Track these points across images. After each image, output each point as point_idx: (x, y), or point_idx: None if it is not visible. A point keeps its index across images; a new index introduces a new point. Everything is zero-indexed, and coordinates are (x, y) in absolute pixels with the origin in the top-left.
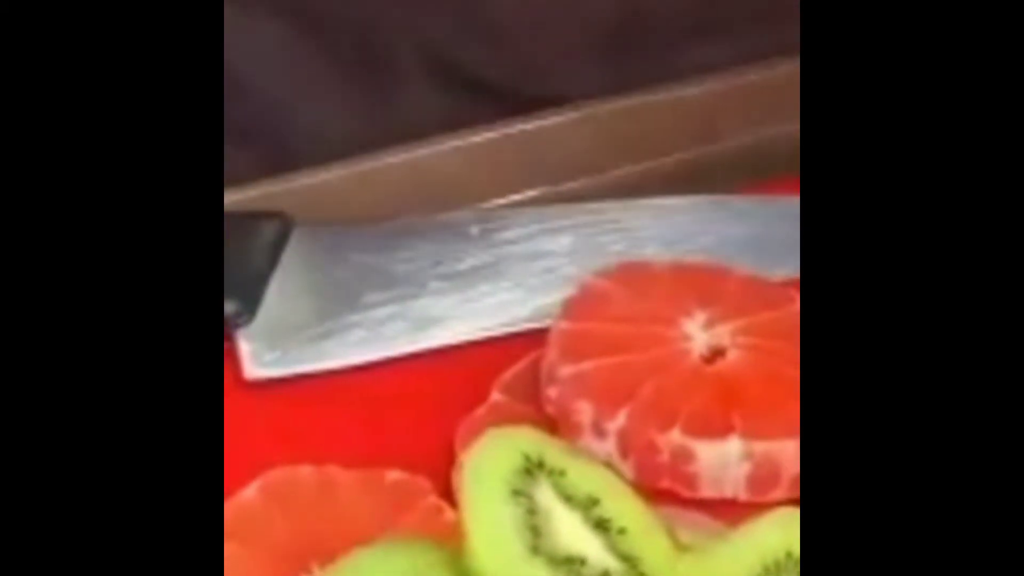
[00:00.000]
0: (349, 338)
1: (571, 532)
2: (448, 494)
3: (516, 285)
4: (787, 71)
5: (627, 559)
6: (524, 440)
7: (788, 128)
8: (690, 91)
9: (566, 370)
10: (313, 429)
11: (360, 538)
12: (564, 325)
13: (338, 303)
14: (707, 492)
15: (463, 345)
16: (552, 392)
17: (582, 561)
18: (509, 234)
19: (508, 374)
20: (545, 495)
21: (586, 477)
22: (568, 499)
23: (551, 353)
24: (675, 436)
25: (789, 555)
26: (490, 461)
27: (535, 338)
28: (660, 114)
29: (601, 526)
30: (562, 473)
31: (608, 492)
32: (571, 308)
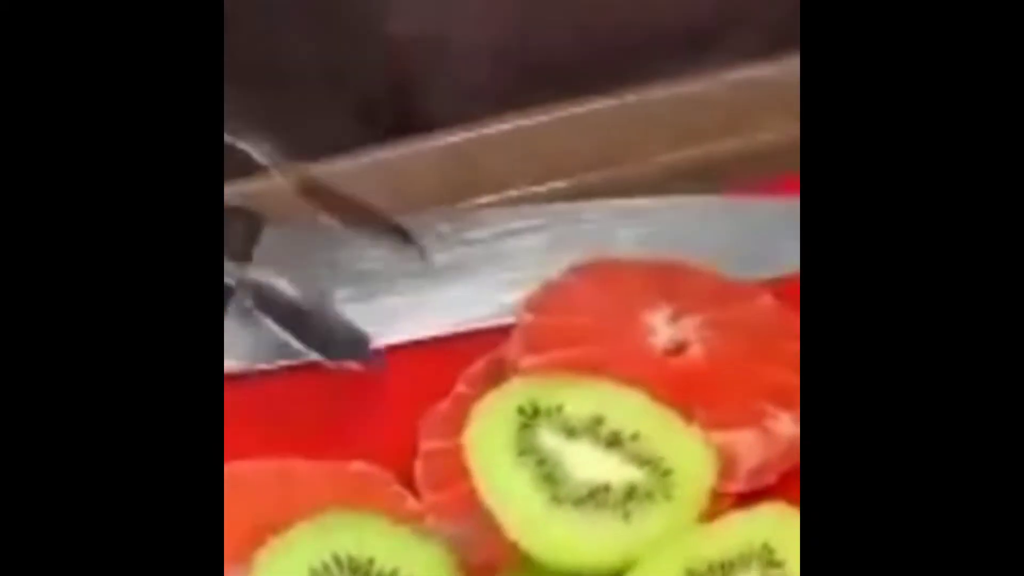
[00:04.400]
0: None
1: (586, 463)
2: (411, 484)
3: (484, 283)
4: (787, 70)
5: (648, 462)
6: (515, 394)
7: (788, 128)
8: (686, 90)
9: (528, 361)
10: (277, 421)
11: None
12: (528, 318)
13: (306, 299)
14: None
15: (429, 340)
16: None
17: (606, 488)
18: (478, 233)
19: (473, 367)
20: (549, 439)
21: (584, 399)
22: (571, 432)
23: (514, 345)
24: None
25: (765, 546)
26: (488, 434)
27: (502, 334)
28: (654, 114)
29: (614, 441)
30: (559, 408)
31: (610, 403)
32: (535, 301)
